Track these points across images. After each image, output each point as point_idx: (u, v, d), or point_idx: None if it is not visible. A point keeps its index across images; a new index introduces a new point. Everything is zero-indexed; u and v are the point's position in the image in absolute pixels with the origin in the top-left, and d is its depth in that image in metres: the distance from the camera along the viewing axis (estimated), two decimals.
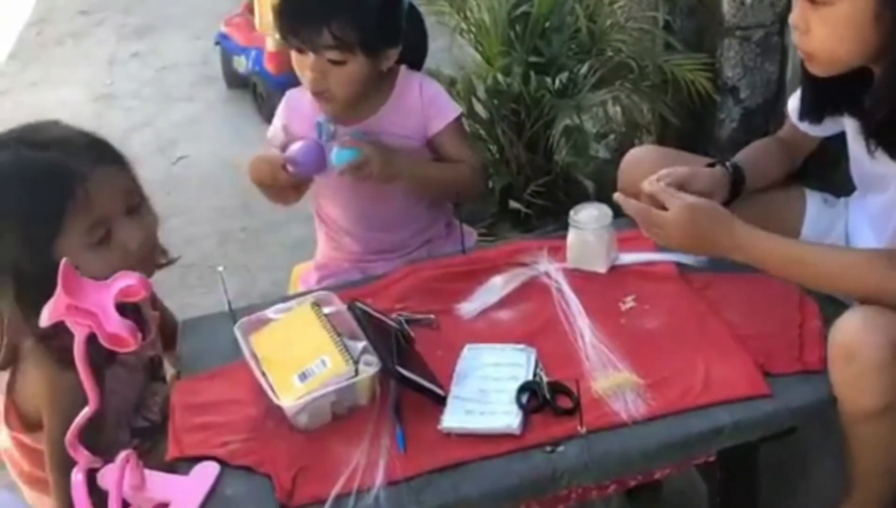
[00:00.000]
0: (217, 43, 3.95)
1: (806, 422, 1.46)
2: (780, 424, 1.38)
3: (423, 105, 1.80)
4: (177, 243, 2.97)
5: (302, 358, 1.40)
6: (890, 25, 1.31)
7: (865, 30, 1.33)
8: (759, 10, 2.11)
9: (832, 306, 1.53)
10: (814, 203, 1.72)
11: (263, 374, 1.41)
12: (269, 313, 1.55)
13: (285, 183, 1.73)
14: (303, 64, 1.68)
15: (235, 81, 3.94)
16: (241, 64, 3.78)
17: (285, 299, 1.67)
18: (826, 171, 1.76)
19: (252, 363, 1.42)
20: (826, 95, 1.53)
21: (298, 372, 1.38)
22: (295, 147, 1.74)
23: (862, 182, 1.64)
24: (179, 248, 2.94)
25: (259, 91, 3.74)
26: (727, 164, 1.65)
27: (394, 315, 1.55)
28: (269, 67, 3.52)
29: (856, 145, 1.55)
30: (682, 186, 1.51)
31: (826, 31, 1.37)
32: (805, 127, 1.65)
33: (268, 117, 3.67)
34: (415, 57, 1.85)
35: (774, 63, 2.18)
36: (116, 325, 1.11)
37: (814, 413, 1.40)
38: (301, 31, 1.65)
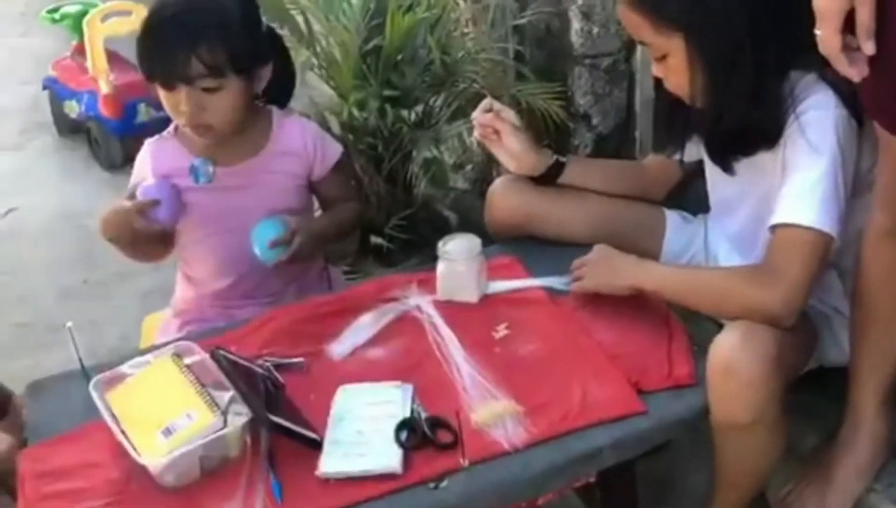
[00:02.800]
0: (45, 88, 3.75)
1: (678, 435, 1.49)
2: (656, 439, 1.40)
3: (307, 148, 1.76)
4: (10, 302, 2.81)
5: (165, 413, 1.31)
6: (703, 69, 1.41)
7: (692, 73, 1.42)
8: (605, 39, 2.18)
9: (694, 322, 1.58)
10: (672, 221, 1.78)
11: (123, 433, 1.30)
12: (125, 368, 1.45)
13: (145, 231, 1.64)
14: (174, 100, 1.60)
15: (67, 128, 3.75)
16: (73, 109, 3.60)
17: (141, 352, 1.56)
18: (681, 190, 1.82)
19: (111, 422, 1.31)
20: (682, 126, 1.60)
21: (162, 428, 1.29)
22: (148, 188, 1.65)
23: (718, 205, 1.71)
24: (13, 307, 2.78)
25: (94, 136, 3.57)
26: (555, 155, 1.75)
27: (260, 361, 1.48)
28: (105, 111, 3.37)
29: (713, 169, 1.61)
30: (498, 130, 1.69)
31: (673, 79, 1.47)
32: (687, 154, 1.69)
33: (105, 163, 3.52)
34: (284, 90, 1.80)
35: (623, 89, 2.25)
36: None
37: (686, 426, 1.43)
38: (169, 65, 1.57)
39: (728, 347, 1.33)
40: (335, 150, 1.81)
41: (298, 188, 1.79)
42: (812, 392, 1.61)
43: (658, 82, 1.51)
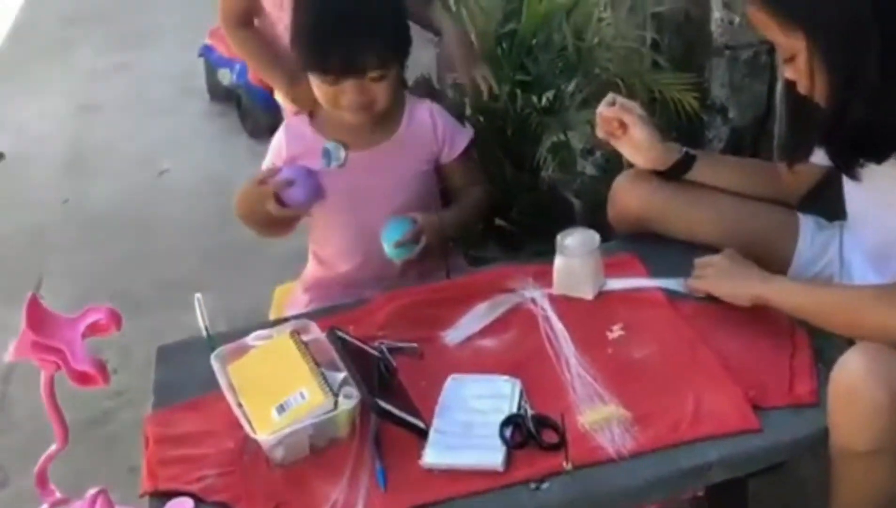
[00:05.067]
0: (201, 55, 3.91)
1: (795, 456, 1.43)
2: (769, 459, 1.35)
3: (437, 132, 1.79)
4: (156, 259, 2.98)
5: (280, 390, 1.36)
6: (826, 70, 1.35)
7: (814, 70, 1.36)
8: (747, 30, 2.08)
9: (822, 336, 1.50)
10: (807, 227, 1.70)
11: (240, 406, 1.36)
12: (249, 340, 1.50)
13: (277, 215, 1.69)
14: (334, 92, 1.64)
15: (219, 94, 3.91)
16: (226, 77, 3.74)
17: (265, 325, 1.62)
18: (818, 193, 1.73)
19: (229, 395, 1.38)
20: (809, 129, 1.52)
21: (276, 404, 1.34)
22: (287, 174, 1.70)
23: (853, 214, 1.63)
24: (159, 264, 2.94)
25: (243, 105, 3.70)
26: (684, 148, 1.69)
27: (376, 343, 1.51)
28: (254, 80, 3.49)
29: (845, 179, 1.53)
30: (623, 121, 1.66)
31: (802, 80, 1.40)
32: (817, 158, 1.62)
33: (252, 131, 3.65)
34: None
35: (763, 83, 2.16)
36: (84, 362, 1.07)
37: (804, 448, 1.37)
38: (347, 61, 1.60)
39: (853, 370, 1.26)
40: (464, 136, 1.83)
41: (427, 173, 1.82)
42: None
43: (789, 84, 1.44)
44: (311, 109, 1.79)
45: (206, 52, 3.87)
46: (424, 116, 1.79)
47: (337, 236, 1.83)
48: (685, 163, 1.70)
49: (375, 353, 1.48)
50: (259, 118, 3.56)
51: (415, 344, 1.54)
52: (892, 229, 1.45)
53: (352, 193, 1.77)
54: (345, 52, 1.60)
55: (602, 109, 1.68)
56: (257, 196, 1.69)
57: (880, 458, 1.29)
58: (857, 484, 1.36)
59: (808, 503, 1.74)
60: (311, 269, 1.93)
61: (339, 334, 1.46)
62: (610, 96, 1.69)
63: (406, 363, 1.50)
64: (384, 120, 1.76)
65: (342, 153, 1.74)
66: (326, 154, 1.75)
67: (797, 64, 1.38)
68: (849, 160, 1.45)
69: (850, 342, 1.35)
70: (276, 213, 1.68)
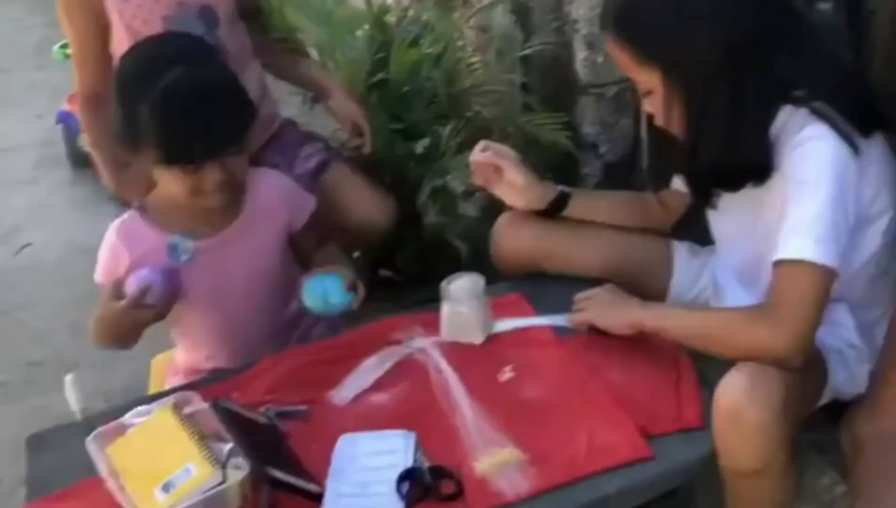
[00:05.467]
0: (59, 121, 3.77)
1: (688, 480, 1.45)
2: (664, 485, 1.37)
3: (285, 200, 1.73)
4: (24, 339, 2.81)
5: (164, 468, 1.29)
6: (680, 105, 1.40)
7: (669, 105, 1.41)
8: (611, 68, 2.15)
9: (705, 360, 1.54)
10: (681, 254, 1.75)
11: (122, 489, 1.29)
12: (127, 418, 1.43)
13: (146, 321, 1.58)
14: (194, 179, 1.53)
15: (81, 161, 3.76)
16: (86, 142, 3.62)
17: (144, 400, 1.55)
18: (691, 220, 1.79)
19: (109, 479, 1.30)
20: (669, 161, 1.58)
21: (161, 484, 1.27)
22: (140, 280, 1.57)
23: (720, 239, 1.68)
24: (27, 344, 2.78)
25: None
26: (559, 187, 1.73)
27: (262, 410, 1.47)
28: None
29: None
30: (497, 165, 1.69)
31: (659, 114, 1.45)
32: (676, 184, 1.67)
33: (117, 197, 3.52)
34: None
35: (630, 118, 2.23)
36: None
37: (696, 471, 1.39)
38: (206, 147, 1.51)
39: (734, 393, 1.29)
40: (309, 198, 1.78)
41: (282, 246, 1.75)
42: (827, 429, 1.58)
43: (649, 117, 1.49)
44: (139, 205, 1.68)
45: (64, 118, 3.73)
46: (269, 186, 1.72)
47: (202, 330, 1.74)
48: (561, 201, 1.73)
49: (263, 420, 1.44)
50: None
51: (303, 407, 1.50)
52: (756, 251, 1.50)
53: (209, 284, 1.67)
54: (204, 137, 1.51)
55: (475, 157, 1.70)
56: (117, 315, 1.56)
57: (767, 475, 1.32)
58: (750, 502, 1.39)
59: None
60: (181, 356, 1.83)
61: (223, 403, 1.41)
62: (482, 143, 1.72)
63: (296, 427, 1.45)
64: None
65: (189, 245, 1.63)
66: (173, 249, 1.62)
67: (654, 99, 1.42)
68: (705, 190, 1.51)
69: (731, 364, 1.39)
70: (141, 320, 1.57)
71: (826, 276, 1.31)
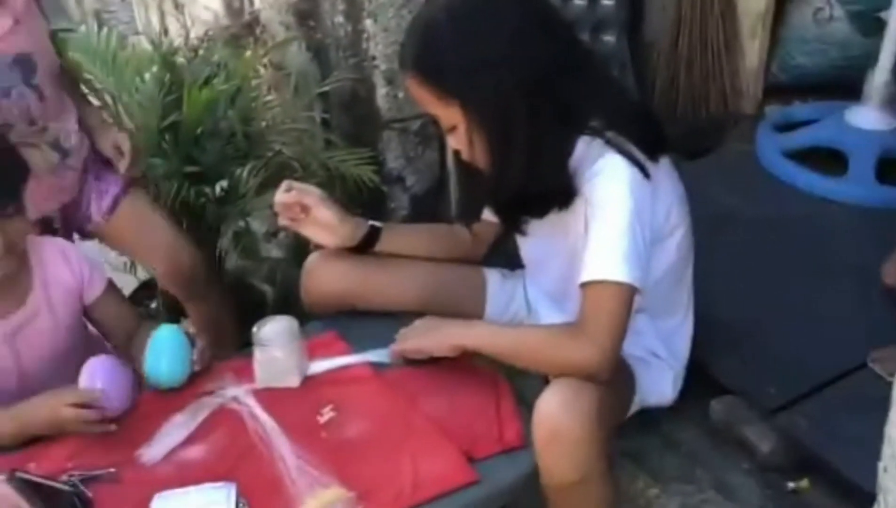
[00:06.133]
0: None
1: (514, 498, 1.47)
2: (492, 506, 1.37)
3: (74, 268, 1.61)
4: None
5: None
6: (481, 138, 1.43)
7: (472, 138, 1.43)
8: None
9: (521, 379, 1.58)
10: (493, 279, 1.79)
11: None
12: None
13: (100, 427, 1.45)
14: None
15: None
16: None
17: None
18: (500, 245, 1.83)
19: None
20: (477, 193, 1.60)
21: None
22: (96, 377, 1.46)
23: (530, 262, 1.73)
24: None
25: None
26: (369, 222, 1.72)
27: (65, 477, 1.36)
28: None
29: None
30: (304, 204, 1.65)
31: (462, 148, 1.47)
32: (486, 215, 1.70)
33: None
34: None
35: (435, 150, 2.26)
36: None
37: (520, 489, 1.41)
38: None
39: (551, 409, 1.33)
40: (101, 268, 1.70)
41: (79, 321, 1.65)
42: (637, 437, 1.65)
43: (455, 152, 1.52)
44: None
45: None
46: (55, 254, 1.61)
47: None
48: (372, 236, 1.71)
49: (67, 488, 1.34)
50: None
51: (111, 469, 1.40)
52: (566, 273, 1.55)
53: (9, 371, 1.55)
54: None
55: (279, 198, 1.66)
56: (74, 418, 1.43)
57: (589, 485, 1.37)
58: None
59: None
60: None
61: (21, 475, 1.29)
62: (285, 183, 1.68)
63: (104, 491, 1.36)
64: (15, 277, 1.54)
65: None
66: None
67: (458, 134, 1.45)
68: (512, 218, 1.56)
69: (546, 383, 1.43)
70: (100, 423, 1.45)
71: (629, 293, 1.37)
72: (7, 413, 1.47)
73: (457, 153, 1.50)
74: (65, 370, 1.55)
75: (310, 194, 1.66)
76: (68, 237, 1.93)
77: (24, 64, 1.73)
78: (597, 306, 1.37)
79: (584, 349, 1.36)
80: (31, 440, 1.47)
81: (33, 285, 1.56)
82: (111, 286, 1.69)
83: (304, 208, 1.65)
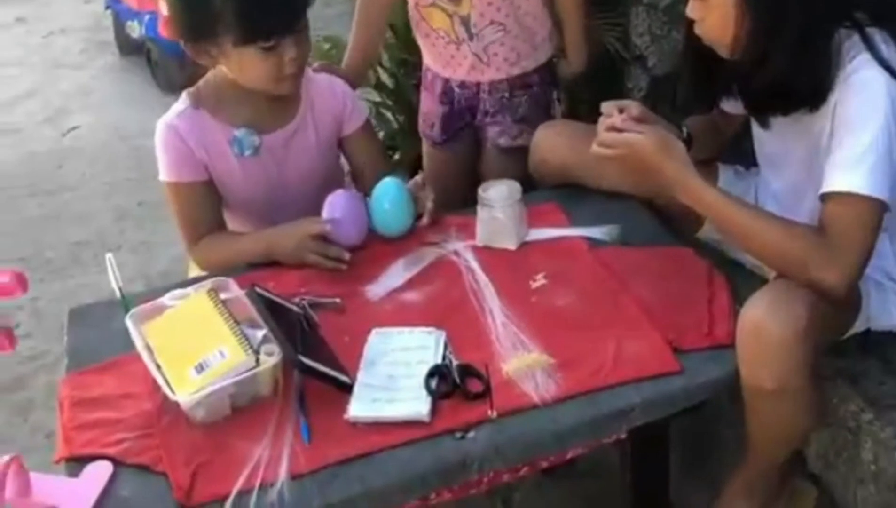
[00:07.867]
0: (108, 7, 3.76)
1: (715, 396, 1.46)
2: (689, 400, 1.37)
3: (339, 102, 1.74)
4: (68, 220, 2.87)
5: (198, 349, 1.33)
6: (750, 12, 1.33)
7: (739, 16, 1.34)
8: None
9: (741, 277, 1.53)
10: (726, 176, 1.71)
11: (158, 366, 1.33)
12: (165, 300, 1.46)
13: (337, 255, 1.58)
14: (275, 58, 1.54)
15: (128, 48, 3.77)
16: (134, 29, 3.61)
17: (182, 284, 1.58)
18: (737, 142, 1.75)
19: (145, 356, 1.34)
20: (716, 78, 1.52)
21: (195, 364, 1.31)
22: (336, 208, 1.60)
23: (764, 161, 1.65)
24: (72, 225, 2.84)
25: (153, 58, 3.58)
26: (684, 129, 1.64)
27: (297, 300, 1.49)
28: (165, 32, 3.36)
29: (754, 124, 1.55)
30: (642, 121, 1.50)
31: (713, 20, 1.39)
32: (728, 106, 1.63)
33: (164, 84, 3.54)
34: None
35: (681, 32, 2.15)
36: None
37: (722, 388, 1.39)
38: (284, 19, 1.53)
39: (759, 308, 1.29)
40: (363, 108, 1.79)
41: (333, 147, 1.77)
42: (857, 358, 1.57)
43: (689, 28, 1.43)
44: (194, 99, 1.66)
45: (113, 3, 3.72)
46: (325, 86, 1.73)
47: (248, 224, 1.75)
48: (687, 144, 1.59)
49: (297, 309, 1.46)
50: (171, 71, 3.44)
51: (337, 299, 1.52)
52: (800, 177, 1.47)
53: (267, 180, 1.69)
54: (281, 7, 1.52)
55: (616, 122, 1.50)
56: (314, 246, 1.58)
57: (786, 396, 1.32)
58: (766, 424, 1.40)
59: (722, 433, 1.78)
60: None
61: (259, 291, 1.43)
62: (608, 106, 1.53)
63: (328, 318, 1.48)
64: (287, 96, 1.66)
65: (254, 139, 1.64)
66: (238, 143, 1.64)
67: (711, 2, 1.36)
68: (763, 110, 1.46)
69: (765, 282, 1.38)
70: (337, 253, 1.58)
71: (879, 209, 1.28)
72: (259, 235, 1.64)
73: (690, 26, 1.42)
74: (313, 193, 1.68)
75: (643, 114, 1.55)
76: None
77: None
78: (844, 222, 1.29)
79: (826, 263, 1.28)
80: (272, 264, 1.62)
81: (303, 108, 1.69)
82: (368, 125, 1.80)
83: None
